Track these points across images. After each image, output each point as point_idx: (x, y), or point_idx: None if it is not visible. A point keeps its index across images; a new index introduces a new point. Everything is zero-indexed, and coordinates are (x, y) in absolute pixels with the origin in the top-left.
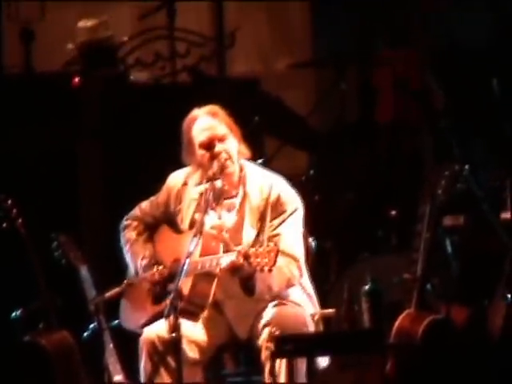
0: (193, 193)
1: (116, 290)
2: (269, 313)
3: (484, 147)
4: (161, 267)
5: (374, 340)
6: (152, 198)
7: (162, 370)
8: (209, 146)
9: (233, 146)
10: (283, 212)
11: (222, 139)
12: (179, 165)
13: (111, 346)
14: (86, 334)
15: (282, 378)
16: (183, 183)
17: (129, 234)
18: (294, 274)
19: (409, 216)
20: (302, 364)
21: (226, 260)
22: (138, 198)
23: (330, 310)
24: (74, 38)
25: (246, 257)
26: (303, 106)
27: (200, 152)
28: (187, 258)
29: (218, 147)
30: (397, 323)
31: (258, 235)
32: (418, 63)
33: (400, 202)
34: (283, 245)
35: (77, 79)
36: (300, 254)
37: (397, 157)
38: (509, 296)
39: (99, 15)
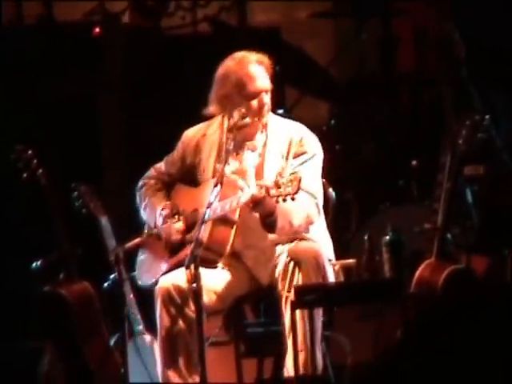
0: (212, 141)
1: (136, 240)
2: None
3: (505, 97)
4: (180, 216)
5: (395, 290)
6: (166, 157)
7: (179, 320)
8: (258, 95)
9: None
10: (304, 153)
11: (267, 92)
12: (199, 115)
13: (131, 296)
14: (106, 285)
15: (301, 327)
16: (202, 134)
17: (146, 192)
18: (312, 210)
19: (429, 166)
20: (318, 314)
21: (246, 195)
22: (158, 147)
23: (351, 260)
24: None
25: (267, 189)
26: (324, 55)
27: (245, 97)
28: (208, 207)
29: (265, 99)
30: (417, 273)
31: (279, 174)
32: (438, 13)
33: (421, 152)
34: (303, 182)
35: (97, 29)
36: (318, 193)
37: (418, 107)
38: None
39: None
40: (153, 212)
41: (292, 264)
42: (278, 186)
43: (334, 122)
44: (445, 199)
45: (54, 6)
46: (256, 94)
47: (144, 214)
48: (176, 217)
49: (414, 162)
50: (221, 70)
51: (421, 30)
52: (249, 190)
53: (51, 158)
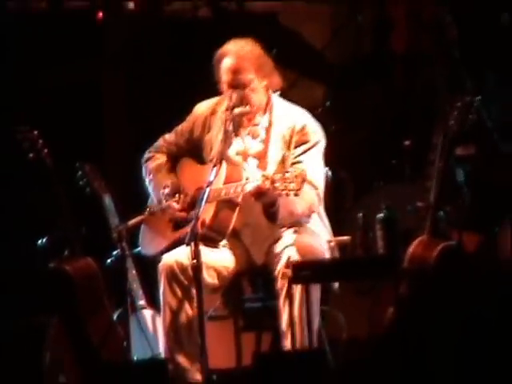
0: (221, 119)
1: (138, 218)
2: (287, 239)
3: (495, 80)
4: (182, 196)
5: (388, 266)
6: (176, 128)
7: (181, 296)
8: (232, 86)
9: (257, 85)
10: (307, 142)
11: (246, 83)
12: (201, 95)
13: (134, 272)
14: (109, 261)
15: (297, 303)
16: (211, 112)
17: (151, 165)
18: (314, 200)
19: (422, 146)
20: (315, 291)
21: (251, 185)
22: (160, 129)
23: (346, 237)
24: None
25: (272, 181)
26: (319, 39)
27: (225, 86)
28: (207, 186)
29: (240, 90)
30: (410, 249)
31: (282, 162)
32: None
33: (414, 132)
34: (307, 171)
35: (100, 13)
36: (320, 183)
37: (411, 88)
38: None
39: None
40: (156, 188)
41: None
42: (283, 180)
43: (330, 103)
44: (437, 178)
45: None
46: (229, 85)
47: (149, 188)
48: (177, 196)
49: (407, 142)
50: (215, 56)
51: (414, 13)
52: (254, 179)
53: (57, 138)
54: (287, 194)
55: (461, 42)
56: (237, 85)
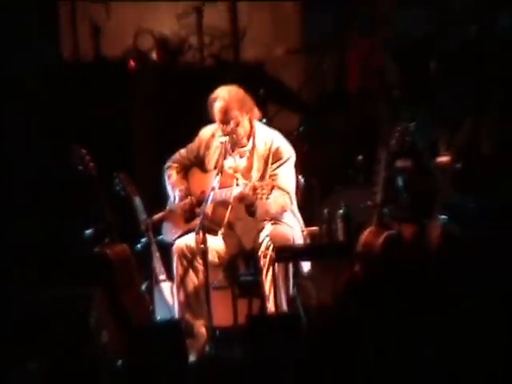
0: (217, 142)
1: (160, 214)
2: (267, 230)
3: (424, 112)
4: (191, 197)
5: (346, 249)
6: (188, 146)
7: (190, 271)
8: (222, 122)
9: (241, 120)
10: (280, 159)
11: (230, 119)
12: (205, 124)
13: (157, 254)
14: (138, 246)
15: (279, 277)
16: (211, 135)
17: (170, 172)
18: (286, 202)
19: (371, 160)
20: (289, 270)
21: (236, 191)
22: (175, 147)
23: (314, 228)
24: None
25: (253, 189)
26: (295, 82)
27: (218, 122)
28: (211, 190)
29: (227, 125)
30: (362, 237)
31: (262, 175)
32: (378, 49)
33: (365, 150)
34: (279, 182)
35: (132, 63)
36: (291, 189)
37: (362, 117)
38: (441, 217)
39: (150, 16)
40: (172, 191)
41: (271, 245)
42: (260, 187)
43: (303, 129)
44: (382, 184)
45: (102, 45)
46: (220, 122)
47: (168, 189)
48: (188, 197)
49: (360, 157)
50: (208, 100)
51: (364, 62)
52: (239, 187)
53: (100, 155)
54: (261, 198)
55: (400, 84)
56: (226, 121)
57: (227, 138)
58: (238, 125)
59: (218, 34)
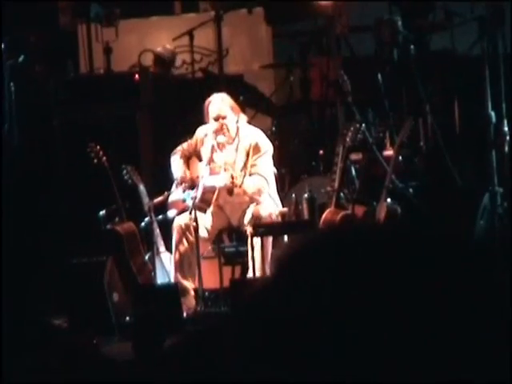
0: (210, 139)
1: (160, 198)
2: (249, 211)
3: (373, 114)
4: (184, 184)
5: (310, 226)
6: (188, 141)
7: (185, 243)
8: (216, 119)
9: (231, 119)
10: (260, 151)
11: (224, 117)
12: (197, 124)
13: (157, 230)
14: (143, 224)
15: (258, 249)
16: (206, 133)
17: (174, 157)
18: (263, 185)
19: (330, 153)
20: (269, 243)
21: (221, 178)
22: (172, 145)
23: (285, 209)
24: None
25: (231, 176)
26: (268, 90)
27: (212, 121)
28: (202, 178)
29: (221, 121)
30: (323, 216)
31: (244, 164)
32: (335, 65)
33: (325, 146)
34: (257, 169)
35: (137, 76)
36: (268, 174)
37: (321, 120)
38: (388, 200)
39: (151, 38)
40: (174, 173)
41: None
42: (236, 177)
43: (275, 128)
44: (339, 173)
45: (112, 62)
46: (214, 119)
47: (172, 169)
48: (183, 184)
49: (321, 152)
50: (205, 103)
51: (324, 75)
52: (223, 175)
53: (112, 151)
54: (236, 185)
55: (352, 93)
56: (219, 118)
57: (221, 137)
58: (228, 123)
59: (206, 53)
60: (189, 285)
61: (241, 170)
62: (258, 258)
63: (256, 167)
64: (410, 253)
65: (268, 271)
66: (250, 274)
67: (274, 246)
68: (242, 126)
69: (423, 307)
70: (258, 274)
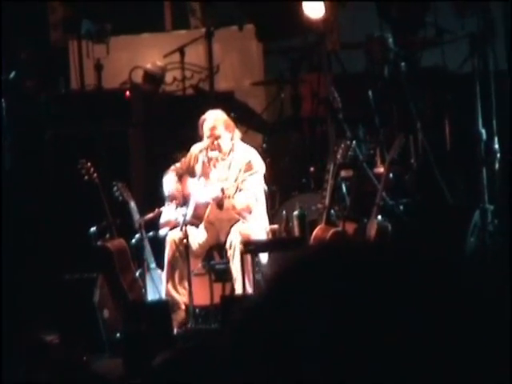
0: (203, 156)
1: (150, 214)
2: (236, 228)
3: (364, 131)
4: (175, 201)
5: (300, 243)
6: (182, 159)
7: (178, 257)
8: (210, 137)
9: (225, 137)
10: (251, 169)
11: (217, 137)
12: (190, 142)
13: (148, 247)
14: (133, 241)
15: (246, 265)
16: (199, 151)
17: (167, 176)
18: (252, 203)
19: (321, 170)
20: (249, 261)
21: (213, 193)
22: (163, 161)
23: (275, 226)
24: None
25: (222, 190)
26: (259, 107)
27: (206, 138)
28: (194, 195)
29: (214, 141)
30: (314, 233)
31: (235, 180)
32: (325, 82)
33: (316, 163)
34: (248, 185)
35: (128, 92)
36: (257, 192)
37: (314, 136)
38: (378, 217)
39: (142, 54)
40: (165, 189)
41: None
42: (227, 189)
43: (265, 145)
44: (329, 190)
45: (103, 78)
46: (207, 137)
47: (164, 184)
48: (174, 201)
49: (311, 169)
50: (200, 120)
51: (314, 92)
52: (215, 190)
53: (102, 167)
54: (228, 197)
55: (343, 109)
56: (213, 137)
57: (214, 153)
58: (222, 141)
59: (197, 69)
60: (180, 298)
61: (233, 182)
62: (239, 275)
63: (246, 183)
64: (400, 271)
65: (250, 289)
66: (237, 289)
67: (259, 264)
68: (236, 144)
69: (415, 325)
70: (242, 291)
